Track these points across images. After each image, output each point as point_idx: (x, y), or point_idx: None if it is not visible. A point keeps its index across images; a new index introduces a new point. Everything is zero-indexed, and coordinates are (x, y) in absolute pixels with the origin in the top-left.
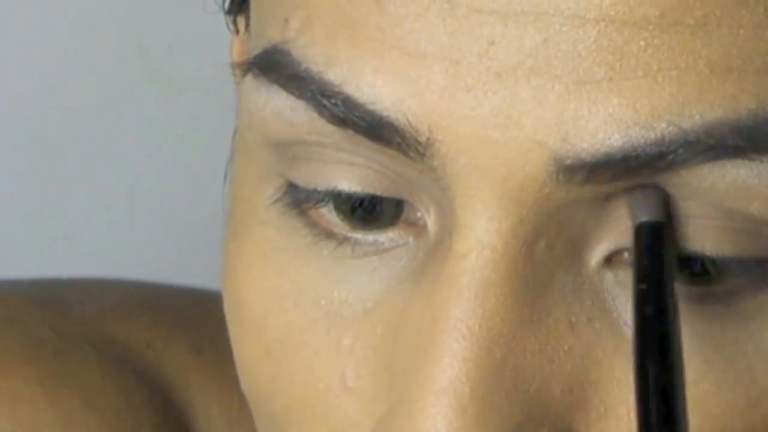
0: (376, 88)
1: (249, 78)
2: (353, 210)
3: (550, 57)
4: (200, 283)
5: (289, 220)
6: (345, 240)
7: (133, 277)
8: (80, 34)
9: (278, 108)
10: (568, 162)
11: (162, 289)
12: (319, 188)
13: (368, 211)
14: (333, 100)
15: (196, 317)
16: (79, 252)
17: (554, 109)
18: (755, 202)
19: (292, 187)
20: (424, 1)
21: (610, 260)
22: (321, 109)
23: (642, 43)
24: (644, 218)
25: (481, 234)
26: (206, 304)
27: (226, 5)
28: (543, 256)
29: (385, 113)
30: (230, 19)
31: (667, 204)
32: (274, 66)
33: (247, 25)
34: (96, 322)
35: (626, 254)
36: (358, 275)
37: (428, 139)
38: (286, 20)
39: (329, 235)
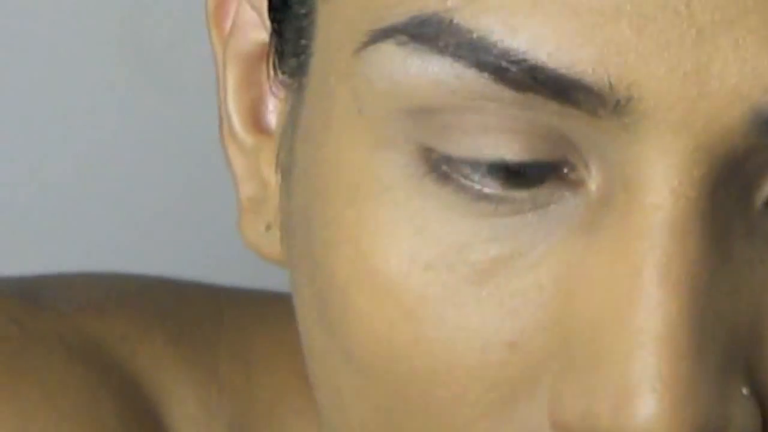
0: (571, 53)
1: (387, 45)
2: (500, 170)
3: (748, 10)
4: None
5: (428, 185)
6: (499, 199)
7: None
8: (80, 34)
9: (438, 76)
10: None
11: (143, 282)
12: (482, 159)
13: (518, 172)
14: (518, 66)
15: (175, 308)
16: (78, 252)
17: (754, 61)
18: None
19: (431, 154)
20: None
21: None
22: (503, 75)
23: None
24: None
25: (676, 185)
26: (186, 294)
27: None
28: (723, 202)
29: (580, 77)
30: None
31: None
32: (432, 35)
33: None
34: (69, 318)
35: None
36: (514, 232)
37: (626, 98)
38: None
39: (480, 196)
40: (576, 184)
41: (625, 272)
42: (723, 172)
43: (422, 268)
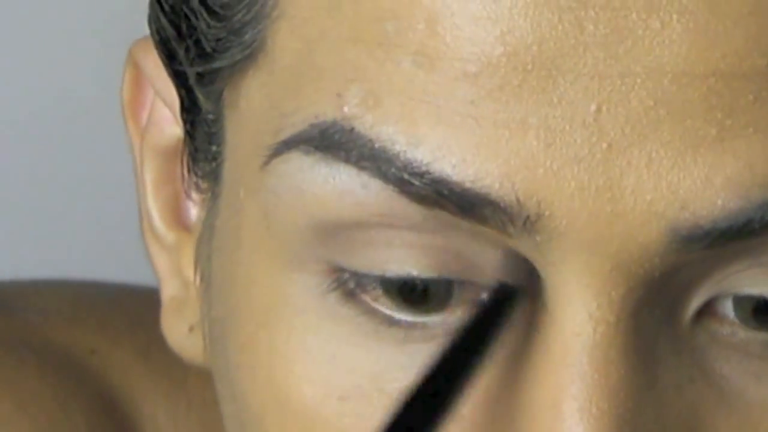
0: (476, 166)
1: (294, 155)
2: (401, 292)
3: (660, 120)
4: None
5: (338, 308)
6: (410, 326)
7: (122, 278)
8: (79, 34)
9: (344, 186)
10: (686, 231)
11: (116, 291)
12: (389, 274)
13: (420, 293)
14: (422, 180)
15: (146, 320)
16: (77, 252)
17: (669, 176)
18: None
19: (341, 274)
20: (519, 74)
21: (700, 314)
22: (406, 188)
23: (750, 96)
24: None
25: (594, 309)
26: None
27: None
28: (646, 322)
29: (486, 191)
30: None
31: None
32: (335, 144)
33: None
34: (39, 327)
35: (718, 303)
36: (428, 360)
37: (536, 214)
38: (339, 95)
39: (391, 322)
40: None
41: (546, 404)
42: (644, 292)
43: (336, 398)
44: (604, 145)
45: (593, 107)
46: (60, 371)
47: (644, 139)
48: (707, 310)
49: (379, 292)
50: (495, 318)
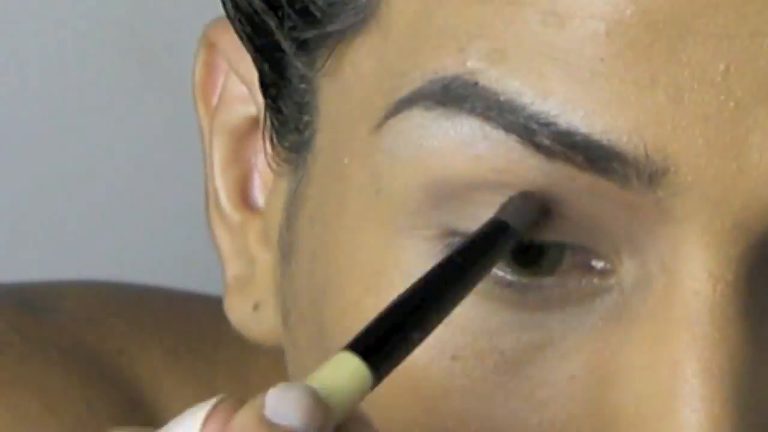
0: (605, 119)
1: (414, 112)
2: (514, 254)
3: None
4: (195, 285)
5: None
6: (525, 287)
7: (130, 279)
8: (79, 34)
9: (466, 137)
10: None
11: (143, 293)
12: None
13: (533, 255)
14: (549, 130)
15: (175, 321)
16: (77, 252)
17: None
18: None
19: (452, 239)
20: (649, 33)
21: None
22: (532, 138)
23: None
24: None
25: (714, 267)
26: (188, 307)
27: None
28: (762, 283)
29: (614, 143)
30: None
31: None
32: (459, 97)
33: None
34: (68, 328)
35: None
36: (544, 320)
37: (663, 169)
38: (461, 50)
39: (505, 283)
40: (606, 273)
41: (666, 363)
42: (761, 252)
43: (449, 358)
44: (732, 104)
45: (722, 67)
46: (87, 372)
47: None
48: None
49: None
50: (483, 249)
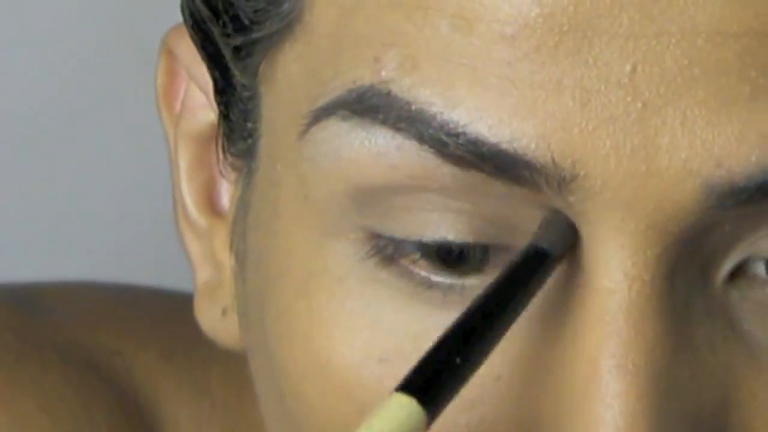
0: (512, 127)
1: (332, 121)
2: (439, 255)
3: (694, 79)
4: (192, 286)
5: (378, 273)
6: (448, 288)
7: (131, 281)
8: (79, 34)
9: (380, 148)
10: (721, 188)
11: (139, 294)
12: (425, 239)
13: (457, 256)
14: (458, 141)
15: (170, 322)
16: (77, 252)
17: (703, 134)
18: None
19: (378, 241)
20: (555, 35)
21: (732, 275)
22: (443, 149)
23: None
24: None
25: (629, 267)
26: (183, 308)
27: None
28: (680, 282)
29: (522, 151)
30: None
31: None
32: (373, 107)
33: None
34: (63, 328)
35: (750, 264)
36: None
37: (571, 174)
38: (376, 59)
39: (429, 284)
40: None
41: (583, 360)
42: (679, 251)
43: (377, 360)
44: (639, 105)
45: (628, 67)
46: (83, 372)
47: (679, 98)
48: (739, 271)
49: (417, 256)
50: (525, 278)
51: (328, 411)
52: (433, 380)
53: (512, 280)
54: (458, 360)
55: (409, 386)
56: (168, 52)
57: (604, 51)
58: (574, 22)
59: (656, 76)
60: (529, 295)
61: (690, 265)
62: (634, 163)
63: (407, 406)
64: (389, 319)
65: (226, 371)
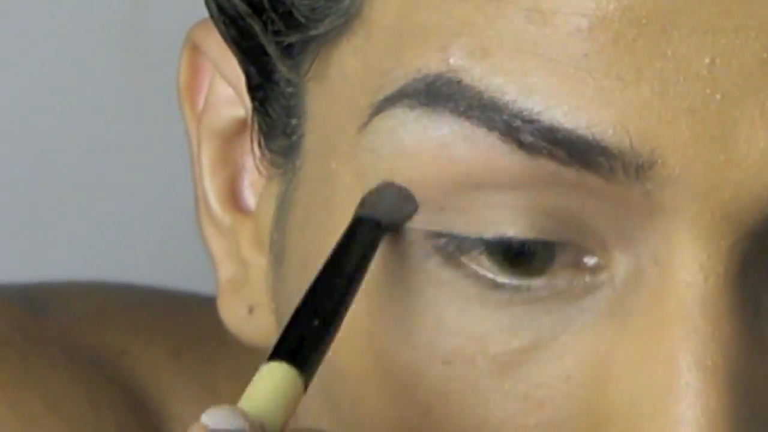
0: (589, 114)
1: (398, 110)
2: (504, 254)
3: None
4: (197, 285)
5: (440, 273)
6: (514, 289)
7: (132, 278)
8: (79, 34)
9: (445, 138)
10: None
11: (145, 294)
12: (485, 236)
13: (522, 256)
14: (532, 126)
15: (177, 322)
16: (77, 252)
17: None
18: None
19: (438, 239)
20: (633, 28)
21: None
22: (516, 135)
23: None
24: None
25: (705, 259)
26: (190, 307)
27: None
28: (752, 276)
29: (599, 137)
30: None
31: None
32: (443, 96)
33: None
34: (70, 328)
35: None
36: (534, 322)
37: (649, 161)
38: (443, 48)
39: (494, 285)
40: (597, 270)
41: (660, 358)
42: (752, 244)
43: (441, 362)
44: (718, 96)
45: (707, 60)
46: (91, 372)
47: (758, 90)
48: None
49: (481, 255)
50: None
51: (390, 415)
52: (299, 344)
53: (346, 245)
54: (317, 322)
55: (277, 354)
56: (193, 47)
57: (682, 45)
58: (653, 15)
59: (735, 69)
60: (364, 264)
61: (761, 260)
62: (712, 152)
63: (280, 369)
64: (452, 319)
65: (234, 369)
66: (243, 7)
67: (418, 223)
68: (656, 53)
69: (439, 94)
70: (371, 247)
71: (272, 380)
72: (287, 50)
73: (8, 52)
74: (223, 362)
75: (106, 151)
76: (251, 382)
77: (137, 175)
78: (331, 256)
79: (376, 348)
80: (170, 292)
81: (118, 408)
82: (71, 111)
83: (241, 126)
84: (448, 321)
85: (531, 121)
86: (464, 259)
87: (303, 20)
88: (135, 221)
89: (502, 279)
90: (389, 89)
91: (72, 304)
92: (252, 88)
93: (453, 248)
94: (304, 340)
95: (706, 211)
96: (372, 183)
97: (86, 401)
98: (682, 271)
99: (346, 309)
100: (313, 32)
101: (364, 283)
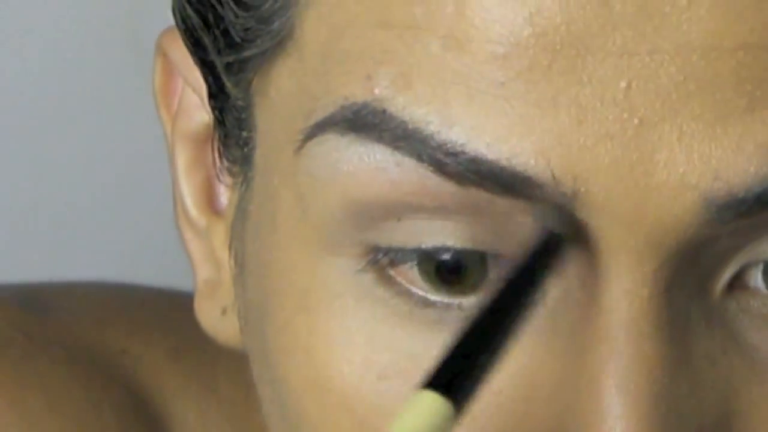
0: (510, 144)
1: (329, 136)
2: (437, 271)
3: (690, 95)
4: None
5: (374, 290)
6: (445, 307)
7: (131, 278)
8: (79, 34)
9: (379, 164)
10: (720, 201)
11: (146, 293)
12: (423, 246)
13: (453, 271)
14: (458, 159)
15: (177, 321)
16: (76, 252)
17: (700, 148)
18: None
19: (375, 254)
20: (548, 54)
21: (730, 287)
22: (443, 168)
23: None
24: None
25: (629, 284)
26: (190, 307)
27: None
28: (678, 296)
29: (522, 168)
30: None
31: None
32: (369, 125)
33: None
34: (71, 327)
35: (748, 273)
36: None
37: (573, 191)
38: (368, 77)
39: (426, 303)
40: None
41: (585, 378)
42: (677, 266)
43: (376, 377)
44: (636, 121)
45: (623, 84)
46: (91, 371)
47: (675, 114)
48: (737, 282)
49: (415, 272)
50: (541, 265)
51: (329, 425)
52: (454, 375)
53: (524, 269)
54: (477, 354)
55: (432, 383)
56: (163, 53)
57: (598, 69)
58: (567, 41)
59: (651, 93)
60: (543, 281)
61: (688, 278)
62: (633, 178)
63: (434, 400)
64: (386, 336)
65: (234, 369)
66: (197, 21)
67: (355, 238)
68: (572, 79)
69: (366, 123)
70: (556, 266)
71: (425, 410)
72: (228, 67)
73: (8, 52)
74: (223, 362)
75: (106, 151)
76: (404, 408)
77: (137, 174)
78: (511, 275)
79: (316, 362)
80: (170, 292)
81: (118, 407)
82: (71, 111)
83: (211, 130)
84: (382, 338)
85: (455, 154)
86: (398, 276)
87: (238, 40)
88: (135, 221)
89: (434, 297)
90: (320, 115)
91: (72, 304)
92: (211, 97)
93: (388, 264)
94: (460, 371)
95: (630, 238)
96: (309, 203)
97: (86, 400)
98: (605, 296)
99: (513, 338)
100: (247, 53)
101: (302, 295)
